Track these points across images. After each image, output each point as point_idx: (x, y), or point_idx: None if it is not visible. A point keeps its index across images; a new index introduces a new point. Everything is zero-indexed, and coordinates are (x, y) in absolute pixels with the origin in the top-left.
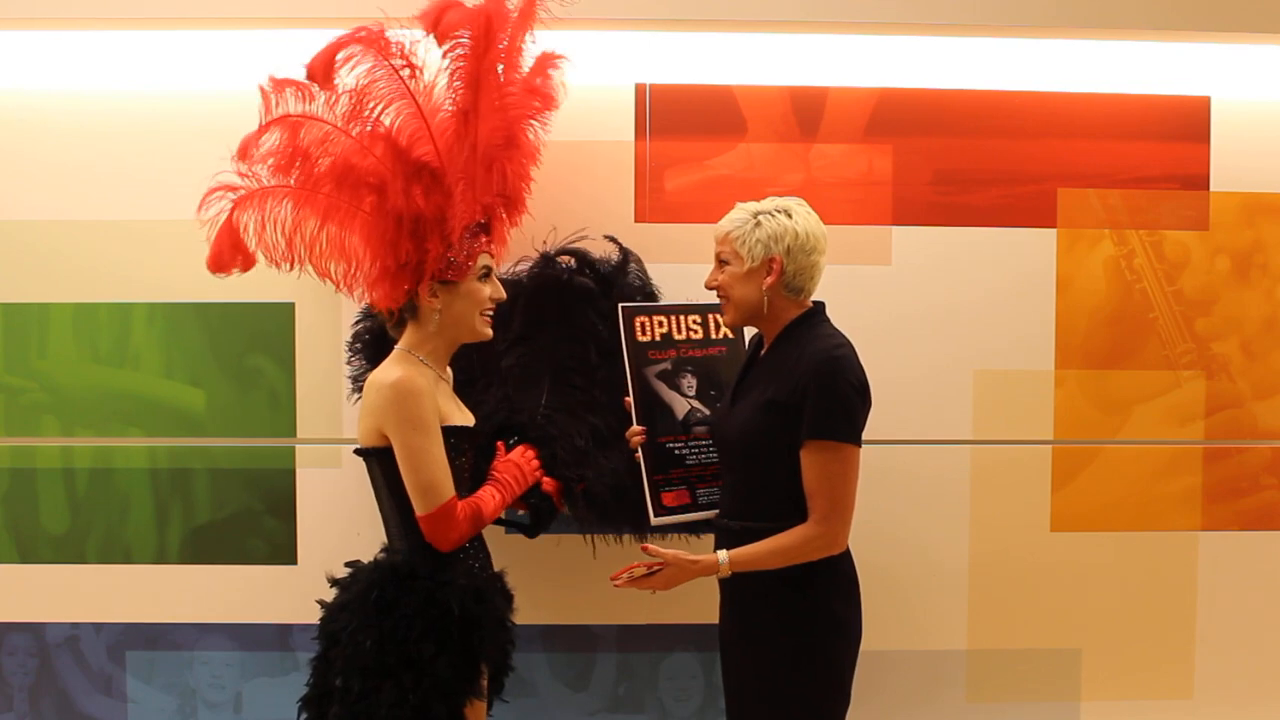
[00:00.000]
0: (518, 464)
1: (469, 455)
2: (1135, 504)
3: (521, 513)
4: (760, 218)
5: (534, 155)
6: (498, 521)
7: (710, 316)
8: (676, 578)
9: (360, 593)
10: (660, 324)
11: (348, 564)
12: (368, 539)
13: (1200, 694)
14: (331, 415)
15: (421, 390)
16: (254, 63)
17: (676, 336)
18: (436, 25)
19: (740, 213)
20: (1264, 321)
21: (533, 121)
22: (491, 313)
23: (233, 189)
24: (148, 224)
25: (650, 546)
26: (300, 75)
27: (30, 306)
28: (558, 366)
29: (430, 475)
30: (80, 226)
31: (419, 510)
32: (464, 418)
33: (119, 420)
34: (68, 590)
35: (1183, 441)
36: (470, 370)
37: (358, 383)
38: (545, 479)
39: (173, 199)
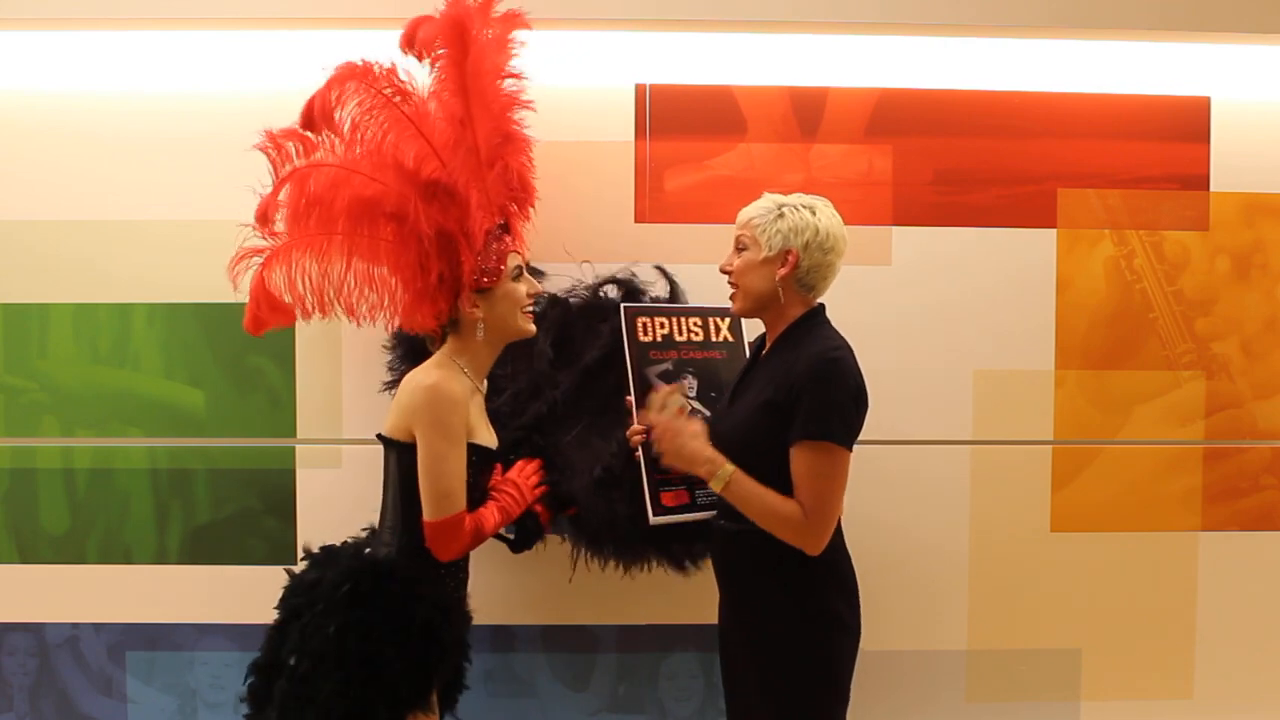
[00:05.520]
0: (517, 484)
1: (485, 477)
2: (1135, 504)
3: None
4: (784, 209)
5: (527, 145)
6: None
7: (711, 320)
8: (688, 445)
9: (334, 580)
10: (661, 325)
11: (323, 547)
12: None
13: (1200, 694)
14: (331, 415)
15: (457, 398)
16: (255, 63)
17: (677, 338)
18: (412, 43)
19: (766, 201)
20: (1264, 321)
21: (520, 110)
22: (533, 308)
23: (258, 251)
24: (148, 224)
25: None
26: (297, 127)
27: (30, 306)
28: (604, 406)
29: (448, 484)
30: (80, 226)
31: (428, 515)
32: (489, 438)
33: (119, 420)
34: (68, 590)
35: (1183, 441)
36: (495, 383)
37: (393, 382)
38: (538, 504)
39: (173, 199)
